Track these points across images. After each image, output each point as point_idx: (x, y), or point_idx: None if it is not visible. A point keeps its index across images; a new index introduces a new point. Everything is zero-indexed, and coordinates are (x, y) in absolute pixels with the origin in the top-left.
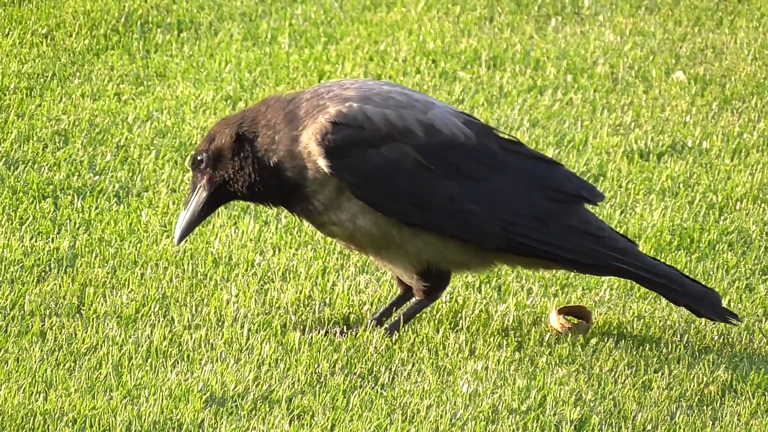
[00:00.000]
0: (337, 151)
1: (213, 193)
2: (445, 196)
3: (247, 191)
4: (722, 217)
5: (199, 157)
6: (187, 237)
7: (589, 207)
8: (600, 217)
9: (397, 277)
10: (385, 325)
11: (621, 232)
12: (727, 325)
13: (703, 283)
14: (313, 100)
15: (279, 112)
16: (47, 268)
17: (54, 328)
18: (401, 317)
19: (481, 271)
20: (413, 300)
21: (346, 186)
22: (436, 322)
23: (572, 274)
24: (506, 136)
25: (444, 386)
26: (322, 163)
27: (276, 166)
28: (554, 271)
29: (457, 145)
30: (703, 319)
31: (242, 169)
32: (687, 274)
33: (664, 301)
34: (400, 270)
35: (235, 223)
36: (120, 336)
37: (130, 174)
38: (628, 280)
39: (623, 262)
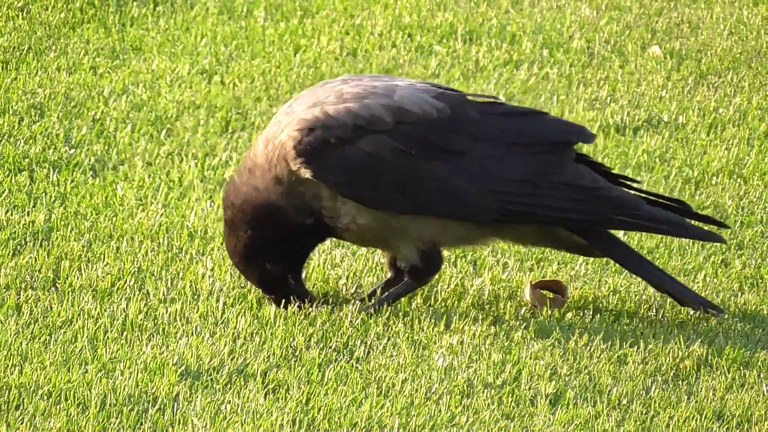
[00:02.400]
0: (314, 153)
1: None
2: (431, 177)
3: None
4: (698, 192)
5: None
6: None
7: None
8: None
9: (388, 261)
10: (367, 303)
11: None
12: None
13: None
14: (271, 132)
15: (243, 178)
16: (23, 242)
17: (29, 302)
18: (387, 296)
19: (484, 243)
20: (403, 282)
21: (332, 187)
22: (411, 296)
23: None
24: (483, 99)
25: (419, 360)
26: (306, 171)
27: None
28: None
29: (431, 122)
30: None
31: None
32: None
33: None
34: (407, 254)
35: (211, 196)
36: (95, 309)
37: (106, 147)
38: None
39: (621, 212)
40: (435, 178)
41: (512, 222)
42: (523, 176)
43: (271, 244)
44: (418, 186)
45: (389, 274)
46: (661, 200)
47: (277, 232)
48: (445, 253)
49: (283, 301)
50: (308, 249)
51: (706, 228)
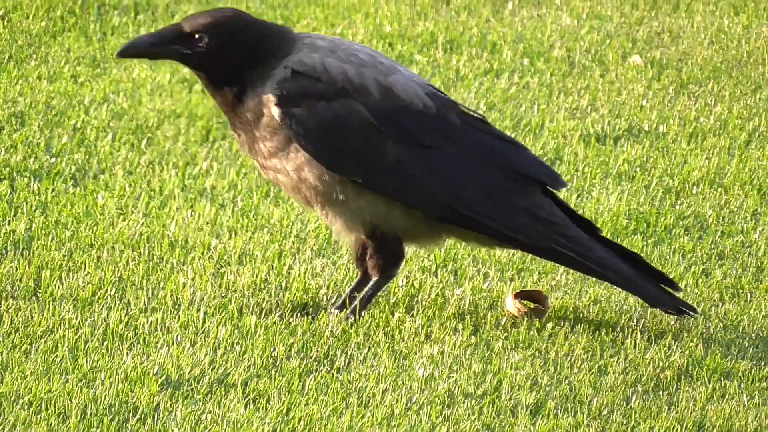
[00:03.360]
0: (290, 99)
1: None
2: (392, 158)
3: (217, 72)
4: (678, 202)
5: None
6: (130, 56)
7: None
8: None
9: (356, 258)
10: (345, 311)
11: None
12: (685, 314)
13: (660, 268)
14: (298, 42)
15: (280, 41)
16: (3, 251)
17: (10, 311)
18: (359, 302)
19: (430, 243)
20: (370, 283)
21: (293, 136)
22: (392, 305)
23: (529, 257)
24: (472, 113)
25: (400, 370)
26: (275, 112)
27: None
28: (505, 251)
29: (412, 111)
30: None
31: (231, 53)
32: (645, 263)
33: None
34: (343, 228)
35: (192, 206)
36: (76, 319)
37: (87, 156)
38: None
39: (570, 249)
40: (396, 160)
41: (458, 224)
42: (481, 187)
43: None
44: (377, 161)
45: (358, 275)
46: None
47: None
48: (426, 262)
49: None
50: (221, 81)
51: (660, 287)
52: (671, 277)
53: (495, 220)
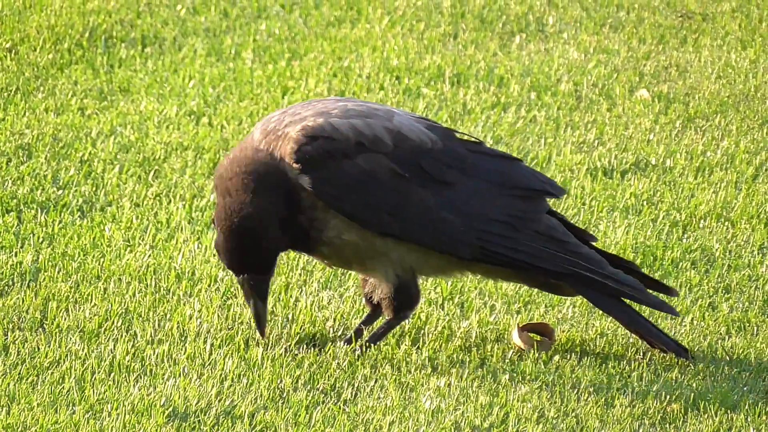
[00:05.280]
0: (313, 163)
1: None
2: (421, 204)
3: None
4: (685, 235)
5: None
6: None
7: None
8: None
9: (365, 295)
10: (354, 344)
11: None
12: (682, 358)
13: (666, 300)
14: (270, 133)
15: (235, 172)
16: (10, 282)
17: (17, 342)
18: (368, 337)
19: (458, 277)
20: (382, 320)
21: (326, 199)
22: (398, 338)
23: (535, 291)
24: (467, 137)
25: (407, 402)
26: (304, 179)
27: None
28: (519, 285)
29: (426, 150)
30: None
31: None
32: (639, 271)
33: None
34: (382, 277)
35: (198, 238)
36: (83, 350)
37: (94, 188)
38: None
39: (587, 269)
40: (424, 207)
41: (489, 262)
42: (504, 218)
43: (279, 214)
44: (408, 211)
45: (367, 310)
46: (619, 260)
47: (285, 204)
48: (432, 295)
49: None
50: (287, 245)
51: (660, 297)
52: (678, 309)
53: (524, 252)
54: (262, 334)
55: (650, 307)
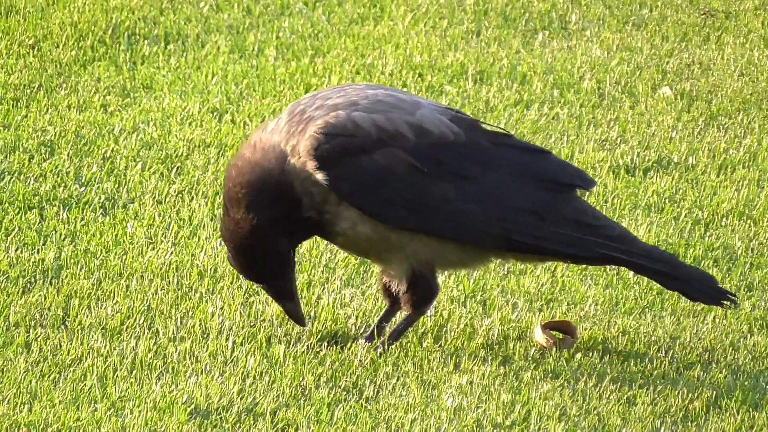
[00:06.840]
0: (330, 160)
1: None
2: (441, 197)
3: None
4: (708, 233)
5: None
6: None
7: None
8: None
9: (383, 285)
10: (375, 342)
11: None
12: (723, 307)
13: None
14: (294, 117)
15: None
16: (32, 279)
17: (39, 340)
18: (389, 334)
19: (478, 268)
20: (401, 316)
21: (342, 196)
22: (420, 335)
23: (558, 288)
24: (495, 129)
25: (428, 400)
26: (320, 176)
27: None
28: (547, 264)
29: (447, 144)
30: (688, 335)
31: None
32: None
33: (648, 316)
34: (398, 270)
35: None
36: (105, 348)
37: (116, 185)
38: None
39: (619, 251)
40: (444, 200)
41: (512, 250)
42: (530, 207)
43: (278, 222)
44: (426, 205)
45: (386, 304)
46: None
47: (285, 209)
48: (455, 292)
49: (275, 289)
50: (299, 240)
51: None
52: (700, 308)
53: (549, 240)
54: (303, 325)
55: (689, 281)
